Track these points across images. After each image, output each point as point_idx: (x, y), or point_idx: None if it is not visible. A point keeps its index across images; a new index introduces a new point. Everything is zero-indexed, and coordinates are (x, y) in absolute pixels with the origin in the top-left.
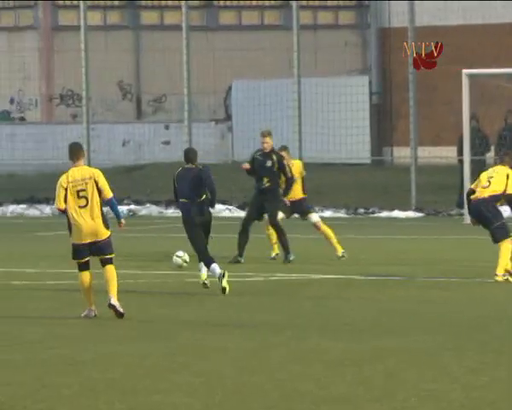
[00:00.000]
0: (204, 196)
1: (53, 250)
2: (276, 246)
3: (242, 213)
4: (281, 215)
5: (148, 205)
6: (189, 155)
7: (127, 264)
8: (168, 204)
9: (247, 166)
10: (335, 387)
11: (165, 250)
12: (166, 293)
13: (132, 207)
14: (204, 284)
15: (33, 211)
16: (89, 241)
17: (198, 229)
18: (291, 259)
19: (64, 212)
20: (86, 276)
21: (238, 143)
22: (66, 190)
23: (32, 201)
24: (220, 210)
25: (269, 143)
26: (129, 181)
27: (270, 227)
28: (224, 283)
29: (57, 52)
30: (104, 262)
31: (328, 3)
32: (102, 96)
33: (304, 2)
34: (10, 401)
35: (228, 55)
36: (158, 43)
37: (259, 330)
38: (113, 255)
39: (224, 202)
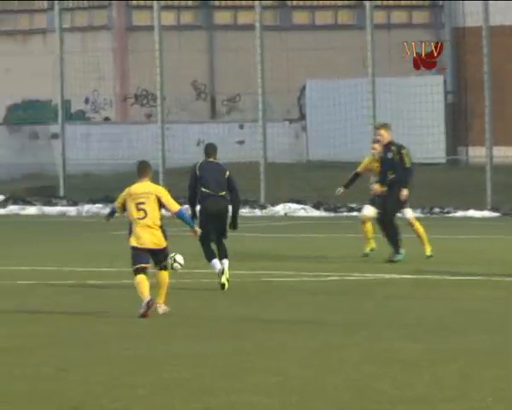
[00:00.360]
0: (224, 192)
1: (128, 249)
2: (372, 241)
3: (317, 213)
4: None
5: None
6: (208, 149)
7: (197, 263)
8: (243, 203)
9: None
10: (410, 387)
11: (235, 249)
12: (236, 292)
13: None
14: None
15: (109, 210)
16: (148, 247)
17: (211, 223)
18: (396, 259)
19: (116, 211)
20: (143, 277)
21: (312, 143)
22: (126, 199)
23: (107, 200)
24: (295, 210)
25: (384, 136)
26: None
27: (367, 223)
28: (223, 279)
29: (131, 52)
30: (160, 267)
31: (402, 3)
32: (177, 95)
33: (378, 2)
34: (87, 400)
35: (301, 54)
36: (231, 42)
37: (333, 329)
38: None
39: (298, 202)
